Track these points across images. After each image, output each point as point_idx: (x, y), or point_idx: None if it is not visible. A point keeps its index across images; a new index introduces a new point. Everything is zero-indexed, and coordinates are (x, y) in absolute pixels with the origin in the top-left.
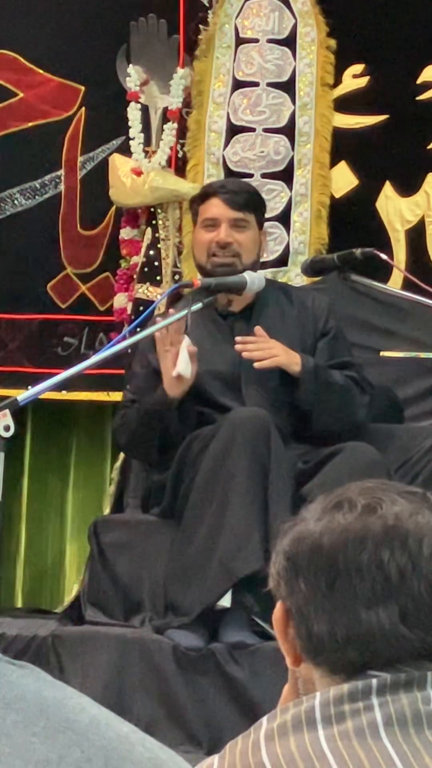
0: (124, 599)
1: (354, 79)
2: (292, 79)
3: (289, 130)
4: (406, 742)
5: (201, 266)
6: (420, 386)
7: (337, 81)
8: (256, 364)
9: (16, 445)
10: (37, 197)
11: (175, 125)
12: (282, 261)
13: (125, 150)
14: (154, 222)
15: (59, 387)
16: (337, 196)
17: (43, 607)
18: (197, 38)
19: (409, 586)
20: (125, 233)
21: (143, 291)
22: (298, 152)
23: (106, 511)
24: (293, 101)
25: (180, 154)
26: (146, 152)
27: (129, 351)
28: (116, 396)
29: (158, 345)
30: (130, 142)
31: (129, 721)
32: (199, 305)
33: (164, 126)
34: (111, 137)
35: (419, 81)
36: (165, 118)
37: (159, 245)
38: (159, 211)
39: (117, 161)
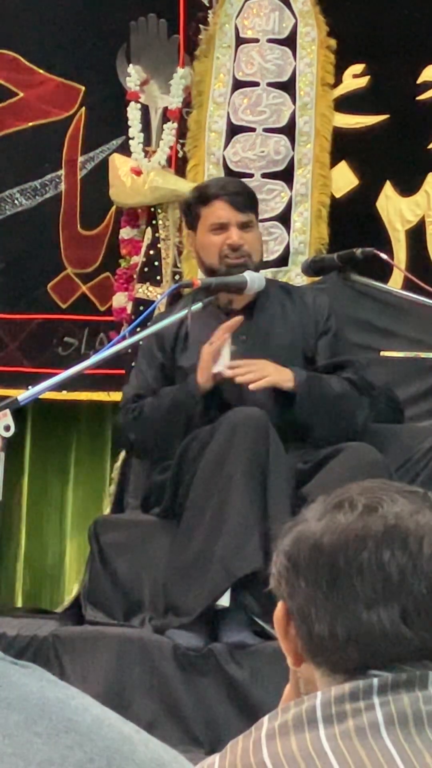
0: (124, 599)
1: (354, 78)
2: (292, 79)
3: (289, 130)
4: (407, 741)
5: (211, 268)
6: (420, 386)
7: (338, 81)
8: (250, 386)
9: (16, 445)
10: (37, 197)
11: (175, 125)
12: (282, 261)
13: (125, 150)
14: (154, 222)
15: (59, 387)
16: (337, 196)
17: (43, 607)
18: (197, 38)
19: (409, 585)
20: (125, 233)
21: (143, 291)
22: (298, 152)
23: (106, 511)
24: (293, 101)
25: (180, 154)
26: (146, 152)
27: (129, 351)
28: (116, 396)
29: (206, 348)
30: (130, 141)
31: (129, 721)
32: (199, 305)
33: (164, 126)
34: (111, 137)
35: (419, 81)
36: (165, 117)
37: (159, 245)
38: (159, 210)
39: (117, 161)
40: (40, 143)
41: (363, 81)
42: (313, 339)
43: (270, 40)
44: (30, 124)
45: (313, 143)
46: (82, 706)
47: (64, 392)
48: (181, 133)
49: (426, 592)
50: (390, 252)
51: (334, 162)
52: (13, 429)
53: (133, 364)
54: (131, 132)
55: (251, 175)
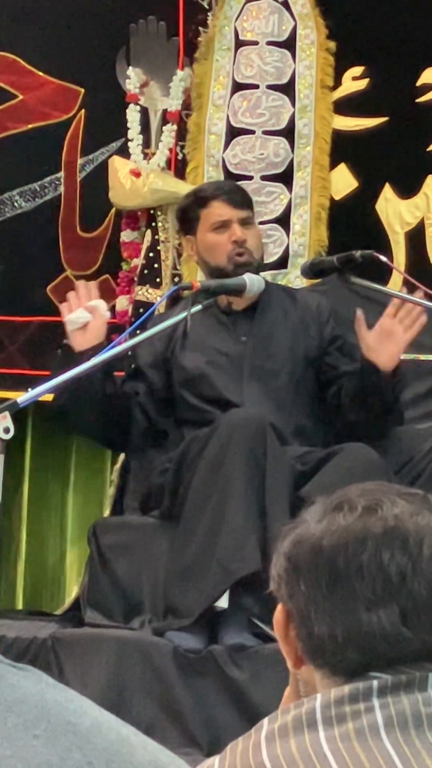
0: (123, 601)
1: (354, 81)
2: (291, 82)
3: (288, 133)
4: (407, 743)
5: (218, 268)
6: (419, 388)
7: (337, 83)
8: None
9: (16, 448)
10: (36, 199)
11: (175, 127)
12: (282, 263)
13: (125, 152)
14: (153, 224)
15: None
16: (336, 198)
17: (43, 610)
18: (197, 40)
19: (409, 587)
20: (125, 236)
21: (143, 293)
22: (297, 154)
23: (106, 513)
24: (293, 103)
25: (179, 156)
26: (146, 154)
27: (129, 353)
28: None
29: (63, 311)
30: (130, 144)
31: (128, 723)
32: (198, 307)
33: (164, 128)
34: (110, 139)
35: (419, 83)
36: (164, 120)
37: (158, 247)
38: (158, 213)
39: (117, 163)
40: (39, 145)
41: (362, 83)
42: (315, 342)
43: (269, 43)
44: (29, 126)
45: (313, 145)
46: (81, 708)
47: None
48: (181, 136)
49: (426, 593)
50: (389, 254)
51: (333, 164)
52: (12, 431)
53: (132, 365)
54: (131, 134)
55: (250, 178)
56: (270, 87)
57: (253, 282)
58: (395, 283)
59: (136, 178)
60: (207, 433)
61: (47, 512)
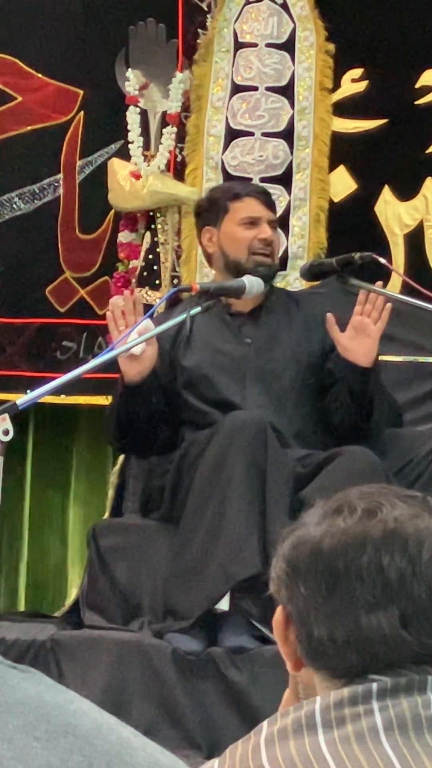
0: (123, 603)
1: (353, 83)
2: (290, 84)
3: (287, 135)
4: (406, 746)
5: (237, 262)
6: (419, 390)
7: (336, 85)
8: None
9: (17, 450)
10: (35, 201)
11: (174, 129)
12: (281, 265)
13: (124, 154)
14: (152, 226)
15: (58, 391)
16: (335, 200)
17: (45, 612)
18: (196, 42)
19: (409, 589)
20: (123, 237)
21: (142, 295)
22: (296, 156)
23: (106, 515)
24: (292, 105)
25: (179, 158)
26: (145, 156)
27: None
28: None
29: (110, 325)
30: (129, 146)
31: (128, 725)
32: (198, 309)
33: (163, 130)
34: (110, 141)
35: (418, 85)
36: (164, 122)
37: (158, 249)
38: (158, 215)
39: (116, 165)
40: (38, 147)
41: (361, 85)
42: (318, 347)
43: (269, 45)
44: (29, 128)
45: (312, 147)
46: (81, 710)
47: (63, 396)
48: (180, 138)
49: (425, 596)
50: (388, 256)
51: (332, 166)
52: (12, 433)
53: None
54: (130, 136)
55: (250, 179)
56: (269, 89)
57: (252, 284)
58: (394, 286)
59: (135, 180)
60: (207, 435)
61: (48, 514)
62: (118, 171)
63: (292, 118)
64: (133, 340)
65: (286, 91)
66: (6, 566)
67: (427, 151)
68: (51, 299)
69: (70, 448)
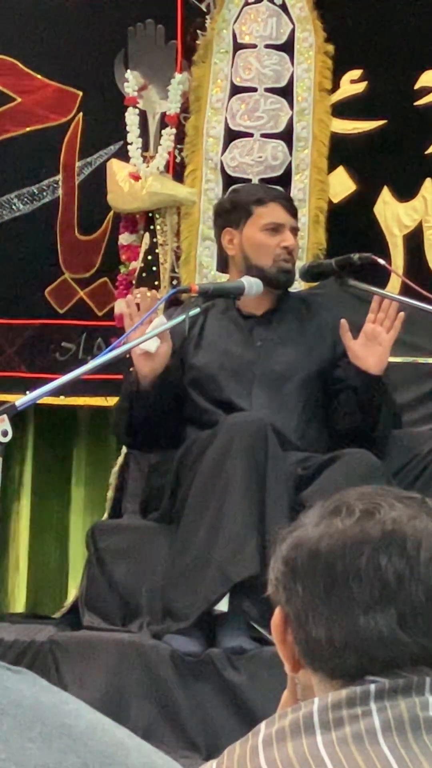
0: (121, 604)
1: (352, 84)
2: (290, 85)
3: (287, 136)
4: (404, 747)
5: (260, 268)
6: (418, 391)
7: (335, 86)
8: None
9: (17, 451)
10: (35, 202)
11: (173, 130)
12: None
13: (123, 155)
14: (152, 227)
15: (57, 392)
16: (335, 201)
17: (44, 613)
18: (195, 44)
19: (407, 591)
20: (124, 239)
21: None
22: (296, 157)
23: (105, 516)
24: (291, 106)
25: (178, 160)
26: (144, 157)
27: (127, 356)
28: (114, 400)
29: (126, 322)
30: (128, 147)
31: (126, 727)
32: (197, 310)
33: (162, 131)
34: (109, 142)
35: (417, 86)
36: (163, 123)
37: (157, 250)
38: (157, 216)
39: (115, 166)
40: (37, 148)
41: (361, 86)
42: (329, 354)
43: (268, 46)
44: (28, 129)
45: (311, 148)
46: (76, 711)
47: (62, 397)
48: (179, 139)
49: (423, 597)
50: (387, 257)
51: (331, 167)
52: (10, 434)
53: (130, 369)
54: (129, 137)
55: (249, 181)
56: (268, 90)
57: (251, 285)
58: (393, 286)
59: (135, 181)
60: (208, 436)
61: (47, 515)
62: (118, 172)
63: (291, 119)
64: (147, 336)
65: (286, 92)
66: (5, 567)
67: (427, 152)
68: (50, 300)
69: (69, 449)
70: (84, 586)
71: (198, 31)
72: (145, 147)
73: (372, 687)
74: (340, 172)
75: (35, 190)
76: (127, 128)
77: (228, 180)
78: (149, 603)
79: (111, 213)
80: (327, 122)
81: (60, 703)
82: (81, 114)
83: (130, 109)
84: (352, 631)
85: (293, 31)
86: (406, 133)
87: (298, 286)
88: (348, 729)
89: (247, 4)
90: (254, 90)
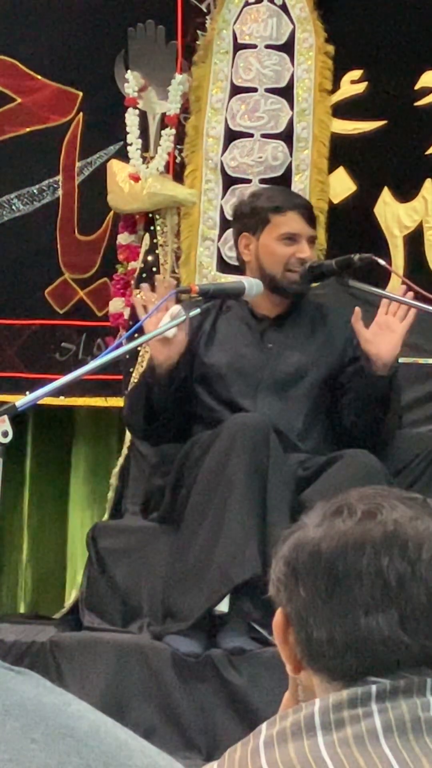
0: (122, 605)
1: (352, 84)
2: (290, 85)
3: (287, 136)
4: (405, 748)
5: (272, 276)
6: (418, 392)
7: (336, 87)
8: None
9: (17, 452)
10: (34, 203)
11: (173, 131)
12: None
13: (123, 156)
14: (152, 228)
15: (57, 392)
16: (335, 201)
17: (44, 614)
18: (195, 44)
19: (408, 592)
20: (123, 238)
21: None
22: (296, 158)
23: (106, 516)
24: (291, 107)
25: (178, 160)
26: (144, 158)
27: (127, 356)
28: (114, 401)
29: (138, 310)
30: (128, 147)
31: (127, 727)
32: (197, 311)
33: (162, 132)
34: (109, 143)
35: (417, 87)
36: (163, 123)
37: (157, 251)
38: (157, 216)
39: (115, 167)
40: (37, 149)
41: (361, 87)
42: (339, 361)
43: (268, 46)
44: (28, 129)
45: (311, 149)
46: (79, 712)
47: (62, 398)
48: (179, 139)
49: (425, 598)
50: (388, 258)
51: (331, 168)
52: (11, 435)
53: (131, 369)
54: (129, 138)
55: (249, 181)
56: (268, 90)
57: (251, 285)
58: (394, 287)
59: (134, 182)
60: (210, 436)
61: (47, 516)
62: (118, 172)
63: (291, 120)
64: (164, 322)
65: (286, 93)
66: (5, 568)
67: (427, 153)
68: (50, 301)
69: (69, 449)
70: (84, 587)
71: (198, 32)
72: (145, 147)
73: (373, 688)
74: (341, 172)
75: (35, 191)
76: (127, 129)
77: (228, 180)
78: (150, 604)
79: (111, 213)
80: (327, 123)
81: (63, 705)
82: (81, 114)
83: (130, 109)
84: (354, 631)
85: (293, 31)
86: (407, 134)
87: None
88: (349, 730)
89: (247, 4)
90: (254, 90)
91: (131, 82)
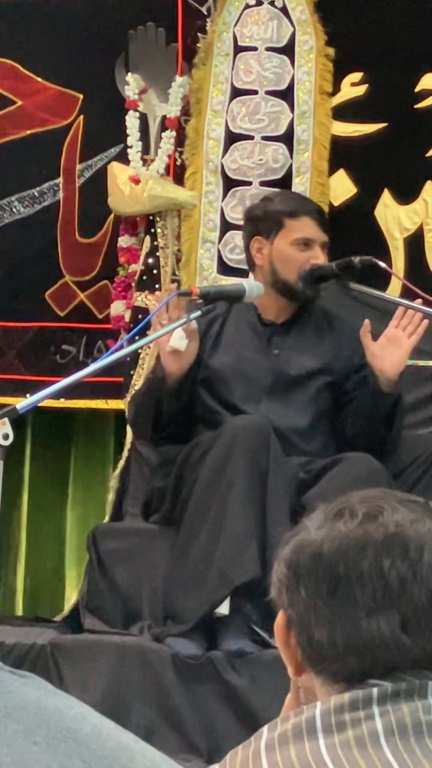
0: (122, 607)
1: (352, 87)
2: (290, 87)
3: (287, 138)
4: (407, 751)
5: (286, 282)
6: (418, 394)
7: (336, 89)
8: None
9: (16, 454)
10: (35, 205)
11: (174, 133)
12: None
13: (124, 158)
14: (152, 230)
15: (57, 395)
16: (335, 204)
17: (43, 616)
18: (196, 46)
19: (409, 594)
20: (123, 241)
21: (142, 299)
22: (296, 160)
23: (106, 519)
24: (292, 109)
25: (178, 162)
26: (144, 160)
27: (128, 359)
28: (114, 404)
29: (154, 320)
30: (129, 150)
31: (128, 730)
32: (198, 313)
33: (162, 134)
34: (109, 145)
35: (417, 89)
36: (163, 126)
37: (157, 253)
38: (158, 219)
39: (115, 169)
40: (38, 151)
41: (361, 89)
42: (346, 369)
43: (268, 49)
44: (28, 132)
45: (312, 151)
46: (81, 715)
47: (62, 400)
48: (180, 142)
49: (426, 600)
50: (388, 260)
51: (332, 170)
52: (11, 438)
53: (131, 372)
54: (130, 140)
55: (249, 183)
56: (269, 93)
57: (252, 288)
58: (394, 289)
59: (135, 184)
60: (210, 438)
61: (47, 518)
62: (118, 175)
63: (291, 122)
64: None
65: (286, 95)
66: (4, 570)
67: (427, 155)
68: (51, 303)
69: (68, 451)
70: (85, 589)
71: (198, 34)
72: (146, 150)
73: (374, 690)
74: (341, 174)
75: (36, 193)
76: (128, 131)
77: (228, 183)
78: (150, 606)
79: (111, 216)
80: (327, 125)
81: (65, 707)
82: (81, 117)
83: (131, 112)
84: (355, 634)
85: (294, 33)
86: (407, 136)
87: None
88: (351, 733)
89: (247, 6)
90: (255, 93)
91: (132, 85)
